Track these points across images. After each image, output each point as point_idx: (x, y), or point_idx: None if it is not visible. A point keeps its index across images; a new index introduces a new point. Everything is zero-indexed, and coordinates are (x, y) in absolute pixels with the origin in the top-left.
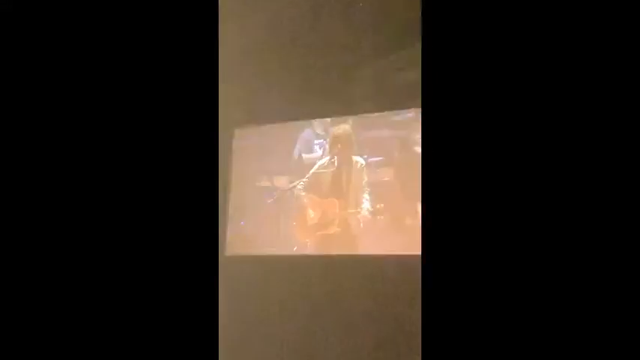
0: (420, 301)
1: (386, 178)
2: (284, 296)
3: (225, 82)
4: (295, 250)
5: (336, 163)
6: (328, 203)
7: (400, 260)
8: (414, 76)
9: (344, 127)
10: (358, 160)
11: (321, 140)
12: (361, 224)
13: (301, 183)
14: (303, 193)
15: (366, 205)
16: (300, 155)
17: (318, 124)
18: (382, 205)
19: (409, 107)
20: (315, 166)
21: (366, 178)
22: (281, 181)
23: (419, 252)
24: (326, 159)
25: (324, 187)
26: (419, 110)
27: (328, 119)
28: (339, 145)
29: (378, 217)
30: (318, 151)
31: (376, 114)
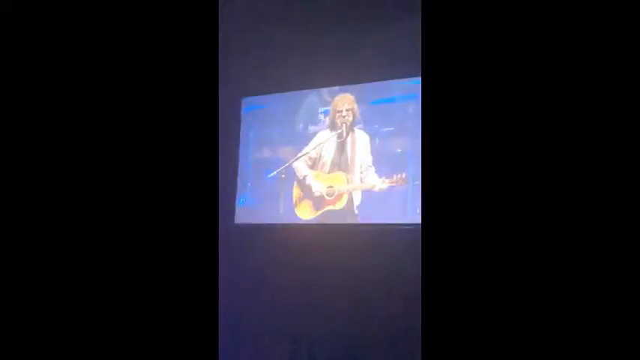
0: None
1: (398, 150)
2: (288, 261)
3: (233, 53)
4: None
5: (343, 135)
6: (335, 177)
7: (404, 229)
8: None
9: (349, 96)
10: (367, 130)
11: (327, 109)
12: (370, 198)
13: (306, 155)
14: (308, 166)
15: (375, 178)
16: (305, 126)
17: (324, 94)
18: (394, 177)
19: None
20: (319, 137)
21: (375, 150)
22: (285, 153)
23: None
24: (335, 132)
25: (329, 159)
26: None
27: (336, 88)
28: (346, 115)
29: (389, 190)
30: (323, 122)
31: (385, 82)
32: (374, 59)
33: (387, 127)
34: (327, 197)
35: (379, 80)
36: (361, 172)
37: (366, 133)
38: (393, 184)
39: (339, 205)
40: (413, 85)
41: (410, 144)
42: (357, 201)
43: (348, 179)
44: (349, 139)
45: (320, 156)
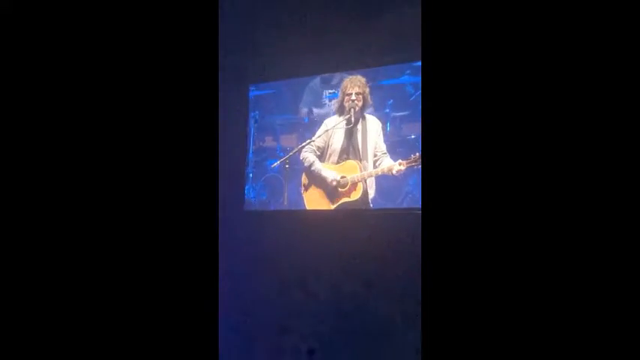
0: None
1: (412, 136)
2: (294, 245)
3: (238, 38)
4: None
5: (352, 120)
6: (346, 166)
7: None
8: None
9: (361, 78)
10: (378, 115)
11: (334, 92)
12: (386, 188)
13: (313, 142)
14: (316, 157)
15: (391, 162)
16: (311, 111)
17: (332, 78)
18: (412, 157)
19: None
20: (326, 124)
21: (388, 136)
22: (289, 141)
23: None
24: (343, 117)
25: (338, 147)
26: None
27: (344, 73)
28: (355, 100)
29: (406, 175)
30: (329, 106)
31: (396, 65)
32: (384, 44)
33: (399, 112)
34: (340, 189)
35: (390, 64)
36: (375, 159)
37: (378, 119)
38: (411, 165)
39: (355, 195)
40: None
41: None
42: (371, 192)
43: (360, 167)
44: (359, 126)
45: (328, 145)
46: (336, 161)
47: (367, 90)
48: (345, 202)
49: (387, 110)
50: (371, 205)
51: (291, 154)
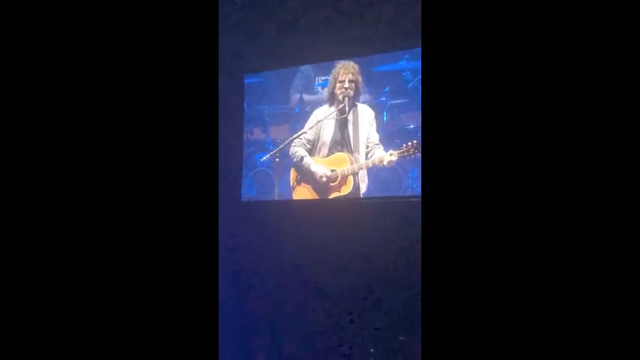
0: None
1: (411, 126)
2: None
3: (235, 25)
4: None
5: (346, 110)
6: (336, 159)
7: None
8: None
9: (353, 65)
10: (373, 103)
11: (326, 79)
12: (383, 180)
13: (303, 135)
14: (307, 150)
15: (385, 157)
16: (302, 99)
17: (325, 66)
18: (403, 147)
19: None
20: (317, 115)
21: (383, 126)
22: (279, 132)
23: None
24: (334, 108)
25: (329, 139)
26: None
27: (338, 61)
28: (348, 88)
29: (398, 165)
30: (321, 94)
31: (390, 53)
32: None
33: (397, 100)
34: (330, 184)
35: (385, 52)
36: (367, 151)
37: (371, 108)
38: (404, 155)
39: (345, 189)
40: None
41: None
42: (363, 186)
43: (351, 159)
44: (351, 116)
45: (318, 137)
46: (326, 154)
47: (360, 78)
48: (336, 197)
49: (384, 98)
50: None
51: (281, 146)
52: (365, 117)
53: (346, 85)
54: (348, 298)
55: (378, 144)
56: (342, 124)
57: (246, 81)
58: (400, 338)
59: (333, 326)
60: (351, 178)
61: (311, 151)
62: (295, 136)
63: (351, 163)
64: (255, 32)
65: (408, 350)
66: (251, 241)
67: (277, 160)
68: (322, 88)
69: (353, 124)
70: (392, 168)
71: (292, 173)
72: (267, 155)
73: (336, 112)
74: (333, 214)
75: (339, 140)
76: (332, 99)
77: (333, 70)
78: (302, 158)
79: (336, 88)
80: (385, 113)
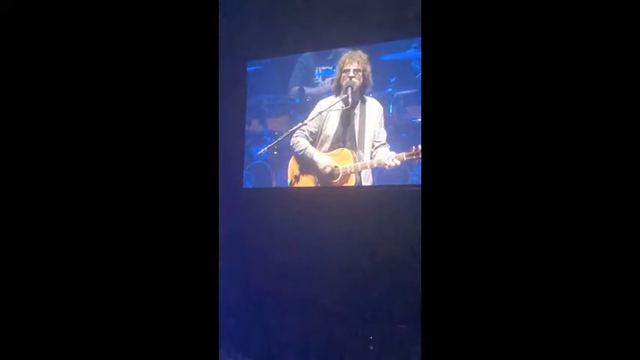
0: None
1: (418, 119)
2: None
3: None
4: None
5: (349, 101)
6: (339, 155)
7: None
8: None
9: (361, 54)
10: (379, 95)
11: (328, 69)
12: (383, 179)
13: (305, 126)
14: (308, 143)
15: (389, 154)
16: (303, 91)
17: (327, 54)
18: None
19: None
20: (320, 106)
21: (390, 120)
22: (278, 124)
23: None
24: (339, 98)
25: (332, 133)
26: None
27: (342, 49)
28: (354, 77)
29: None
30: (322, 85)
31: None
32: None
33: (404, 91)
34: (332, 181)
35: (392, 40)
36: (372, 150)
37: (379, 100)
38: (412, 158)
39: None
40: None
41: None
42: (366, 183)
43: (354, 157)
44: (358, 110)
45: (321, 130)
46: (328, 149)
47: (368, 68)
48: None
49: (390, 89)
50: None
51: (280, 139)
52: (373, 112)
53: (351, 74)
54: (348, 288)
55: (384, 143)
56: (347, 119)
57: (263, 70)
58: (400, 326)
59: (333, 315)
60: (353, 176)
61: (313, 145)
62: (297, 127)
63: (355, 162)
64: (257, 19)
65: (407, 338)
66: (251, 229)
67: (275, 152)
68: (323, 78)
69: (359, 118)
70: (397, 167)
71: (292, 165)
72: (265, 148)
73: (341, 103)
74: (334, 202)
75: (343, 136)
76: (338, 90)
77: (339, 60)
78: (304, 149)
79: (342, 79)
80: (391, 105)
